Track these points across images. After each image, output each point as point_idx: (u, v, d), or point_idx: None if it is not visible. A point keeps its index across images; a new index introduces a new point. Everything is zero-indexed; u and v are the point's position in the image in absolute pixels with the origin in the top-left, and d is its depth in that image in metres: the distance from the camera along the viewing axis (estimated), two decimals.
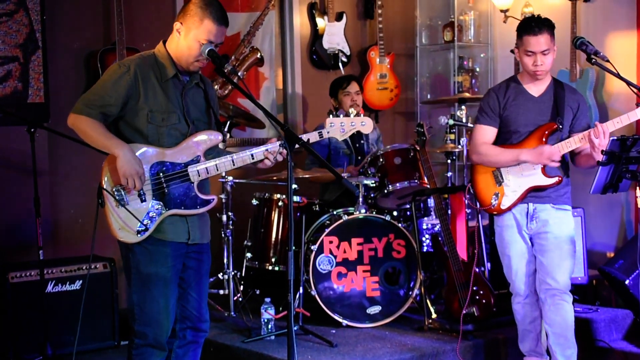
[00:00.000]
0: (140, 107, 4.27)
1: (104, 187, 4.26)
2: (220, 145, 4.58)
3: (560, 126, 5.31)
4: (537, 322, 5.58)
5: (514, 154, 5.38)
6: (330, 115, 4.44)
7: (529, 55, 5.26)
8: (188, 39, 4.29)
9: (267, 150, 4.35)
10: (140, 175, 4.19)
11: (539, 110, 5.38)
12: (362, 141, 7.35)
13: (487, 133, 5.50)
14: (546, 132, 5.32)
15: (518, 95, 5.43)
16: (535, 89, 5.42)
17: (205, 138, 4.37)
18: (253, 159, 4.36)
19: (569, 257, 5.41)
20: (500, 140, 5.50)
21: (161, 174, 4.28)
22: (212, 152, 4.46)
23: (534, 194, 5.39)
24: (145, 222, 4.25)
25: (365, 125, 4.47)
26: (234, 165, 4.36)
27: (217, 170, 4.35)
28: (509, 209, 5.45)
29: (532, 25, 5.23)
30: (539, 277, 5.45)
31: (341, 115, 4.43)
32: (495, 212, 5.56)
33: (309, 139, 4.34)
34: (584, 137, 5.18)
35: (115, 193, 4.24)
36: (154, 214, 4.28)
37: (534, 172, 5.36)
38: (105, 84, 4.26)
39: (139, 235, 4.26)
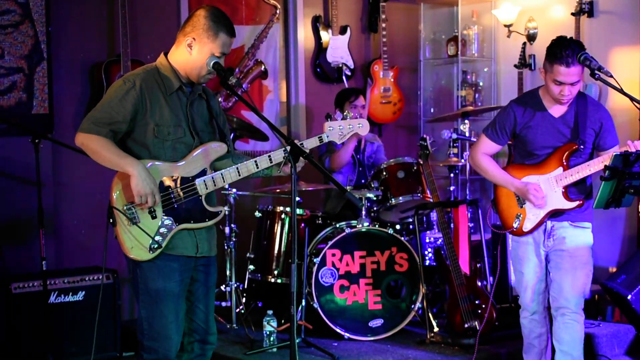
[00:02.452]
0: (146, 122, 4.25)
1: (115, 205, 4.24)
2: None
3: (582, 147, 5.19)
4: (542, 338, 5.52)
5: (505, 182, 5.36)
6: (329, 120, 4.45)
7: (557, 84, 5.08)
8: (203, 53, 4.27)
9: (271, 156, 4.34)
10: (155, 193, 4.18)
11: (559, 132, 5.25)
12: (360, 153, 7.36)
13: (489, 146, 5.46)
14: (566, 153, 5.21)
15: (538, 115, 5.27)
16: (557, 109, 5.25)
17: (210, 150, 4.37)
18: (257, 167, 4.34)
19: (584, 276, 5.32)
20: (519, 158, 5.43)
21: (170, 188, 4.27)
22: (221, 162, 4.44)
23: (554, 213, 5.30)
24: (157, 239, 4.23)
25: (362, 127, 4.47)
26: (239, 175, 4.33)
27: (224, 181, 4.33)
28: (531, 231, 5.35)
29: (567, 55, 4.99)
30: (551, 294, 5.37)
31: (339, 119, 4.44)
32: (519, 235, 5.43)
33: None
34: (588, 166, 5.12)
35: (127, 211, 4.22)
36: (165, 230, 4.25)
37: (555, 195, 5.24)
38: (111, 101, 4.22)
39: (151, 252, 4.23)
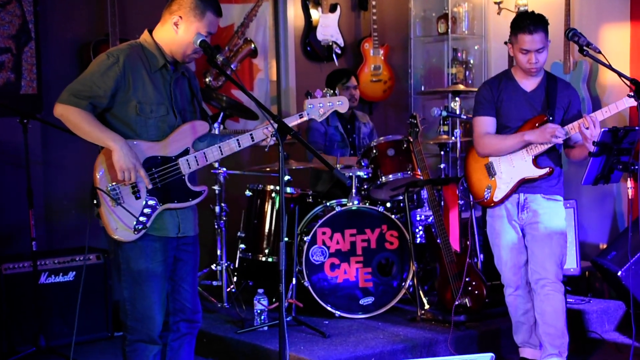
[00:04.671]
0: (128, 99, 4.22)
1: (98, 186, 4.22)
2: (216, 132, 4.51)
3: (551, 118, 5.32)
4: (530, 314, 5.58)
5: (517, 137, 5.40)
6: (308, 97, 4.45)
7: (524, 54, 5.28)
8: (189, 32, 4.25)
9: (252, 134, 4.33)
10: (138, 168, 4.16)
11: (531, 105, 5.41)
12: (354, 135, 7.37)
13: (487, 124, 5.51)
14: (536, 125, 5.33)
15: (510, 90, 5.45)
16: (528, 84, 5.45)
17: (193, 129, 4.35)
18: (240, 146, 4.32)
19: (560, 247, 5.43)
20: (497, 133, 5.52)
21: (153, 168, 4.24)
22: (203, 142, 4.43)
23: (525, 184, 5.42)
24: (141, 219, 4.21)
25: (342, 104, 4.48)
26: (222, 153, 4.32)
27: (207, 160, 4.31)
28: (502, 201, 5.49)
29: (528, 23, 5.23)
30: (530, 268, 5.47)
31: (319, 96, 4.44)
32: (488, 205, 5.59)
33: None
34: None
35: (111, 192, 4.20)
36: (149, 210, 4.24)
37: (525, 164, 5.39)
38: (93, 74, 4.19)
39: (135, 233, 4.22)
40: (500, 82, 5.50)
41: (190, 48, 4.28)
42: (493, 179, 5.52)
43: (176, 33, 4.28)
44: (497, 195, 5.49)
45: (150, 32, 4.37)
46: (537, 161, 5.37)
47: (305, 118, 4.43)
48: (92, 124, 4.16)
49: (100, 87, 4.17)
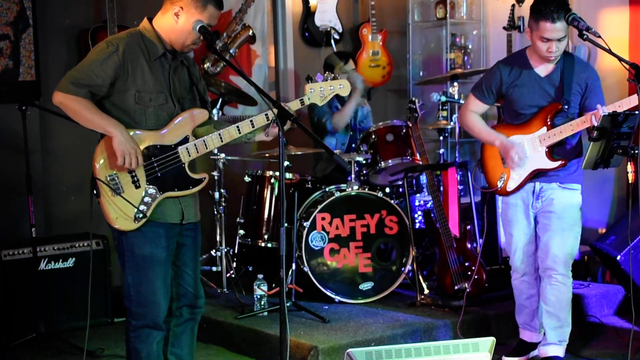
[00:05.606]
0: (127, 88, 4.21)
1: (97, 176, 4.21)
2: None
3: (566, 107, 5.18)
4: (533, 299, 5.54)
5: (491, 138, 5.37)
6: (309, 82, 4.43)
7: (544, 42, 5.07)
8: (189, 23, 4.23)
9: (253, 121, 4.32)
10: (138, 153, 4.16)
11: (545, 91, 5.25)
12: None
13: (476, 105, 5.47)
14: (551, 113, 5.21)
15: (524, 74, 5.28)
16: (543, 68, 5.26)
17: (192, 116, 4.33)
18: (240, 132, 4.31)
19: (572, 238, 5.34)
20: (508, 119, 5.44)
21: (153, 157, 4.24)
22: (202, 130, 4.42)
23: (540, 174, 5.30)
24: (141, 208, 4.21)
25: (343, 87, 4.45)
26: (222, 140, 4.31)
27: (207, 147, 4.30)
28: (515, 191, 5.38)
29: (551, 10, 4.96)
30: (540, 256, 5.40)
31: (319, 81, 4.42)
32: (501, 194, 5.51)
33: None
34: (571, 125, 5.10)
35: (110, 182, 4.20)
36: (149, 199, 4.23)
37: (538, 155, 5.25)
38: (92, 63, 4.18)
39: (136, 222, 4.22)
40: (514, 66, 5.33)
41: (189, 38, 4.27)
42: (507, 167, 5.37)
43: (176, 23, 4.26)
44: (510, 185, 5.37)
45: (150, 20, 4.37)
46: (551, 153, 5.23)
47: (306, 103, 4.42)
48: (92, 111, 4.16)
49: (99, 75, 4.16)
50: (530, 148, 5.28)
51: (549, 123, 5.21)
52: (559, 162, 5.23)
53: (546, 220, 5.35)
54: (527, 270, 5.50)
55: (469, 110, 5.49)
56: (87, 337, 4.62)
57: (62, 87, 4.18)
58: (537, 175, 5.32)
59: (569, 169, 5.28)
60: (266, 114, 4.29)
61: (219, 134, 4.30)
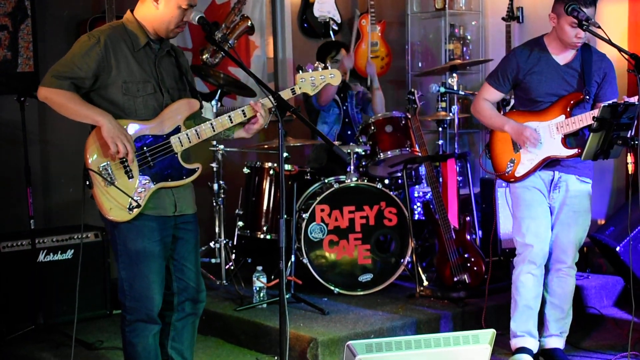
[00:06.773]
0: (113, 79, 4.18)
1: (90, 167, 4.19)
2: (209, 115, 4.46)
3: (587, 97, 5.13)
4: (539, 299, 5.36)
5: (501, 122, 5.30)
6: (300, 71, 4.42)
7: (574, 27, 4.99)
8: (170, 6, 4.20)
9: (243, 111, 4.30)
10: (129, 139, 4.13)
11: (564, 80, 5.19)
12: (346, 103, 7.32)
13: (490, 93, 5.40)
14: (572, 102, 5.14)
15: (542, 62, 5.20)
16: (562, 56, 5.20)
17: (183, 106, 4.31)
18: (232, 122, 4.29)
19: (583, 232, 5.32)
20: (522, 107, 5.35)
21: (145, 147, 4.22)
22: (194, 120, 4.41)
23: (562, 162, 5.20)
24: (135, 198, 4.19)
25: (334, 77, 4.44)
26: (214, 130, 4.28)
27: (198, 137, 4.27)
28: (523, 177, 5.27)
29: None
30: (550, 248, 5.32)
31: (310, 70, 4.41)
32: (508, 180, 5.37)
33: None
34: (592, 114, 4.98)
35: (103, 172, 4.18)
36: (142, 190, 4.21)
37: (553, 142, 5.17)
38: (75, 55, 4.16)
39: (130, 212, 4.19)
40: (531, 53, 5.24)
41: (172, 22, 4.23)
42: (518, 152, 5.28)
43: (157, 9, 4.23)
44: (519, 171, 5.27)
45: (133, 11, 4.34)
46: (566, 140, 5.15)
47: (297, 93, 4.40)
48: (77, 103, 4.14)
49: (82, 68, 4.14)
50: (545, 135, 5.20)
51: (568, 111, 5.14)
52: (574, 151, 5.13)
53: (561, 215, 5.28)
54: (542, 262, 5.29)
55: (482, 98, 5.42)
56: (75, 329, 4.62)
57: (45, 81, 4.16)
58: (553, 164, 5.23)
59: (586, 162, 5.16)
60: (242, 110, 4.27)
61: (211, 124, 4.28)
